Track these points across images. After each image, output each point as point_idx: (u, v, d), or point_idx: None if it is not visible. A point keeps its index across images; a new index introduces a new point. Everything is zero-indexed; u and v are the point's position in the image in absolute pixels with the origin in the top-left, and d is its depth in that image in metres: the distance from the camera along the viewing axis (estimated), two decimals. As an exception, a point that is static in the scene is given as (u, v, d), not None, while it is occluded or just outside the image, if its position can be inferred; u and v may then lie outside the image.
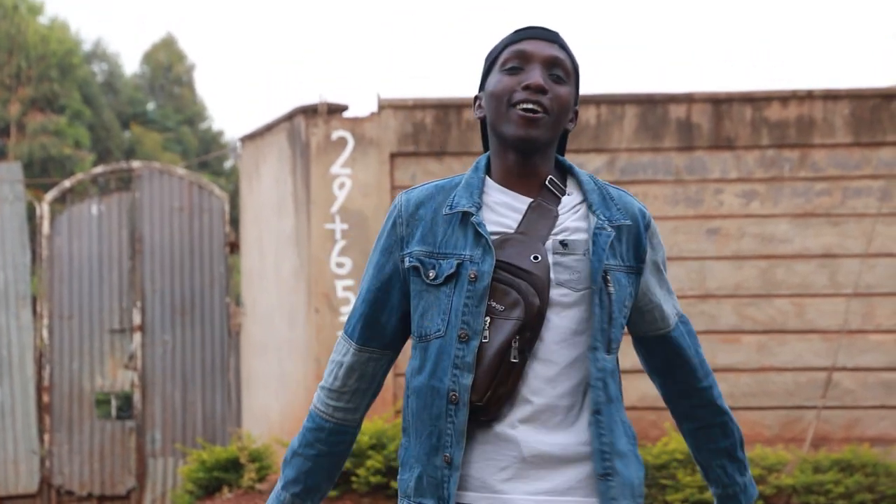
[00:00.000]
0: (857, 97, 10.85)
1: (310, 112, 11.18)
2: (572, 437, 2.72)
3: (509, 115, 2.76)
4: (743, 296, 10.77)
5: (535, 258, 2.70)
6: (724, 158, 10.86)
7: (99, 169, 15.04)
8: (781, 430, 10.70)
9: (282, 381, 11.90)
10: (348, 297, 10.96)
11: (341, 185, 11.03)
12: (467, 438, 2.71)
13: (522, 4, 62.08)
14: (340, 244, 10.99)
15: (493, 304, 2.69)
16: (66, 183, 14.41)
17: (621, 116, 10.90)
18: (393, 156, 11.02)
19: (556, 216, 2.77)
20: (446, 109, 10.89)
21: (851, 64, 58.60)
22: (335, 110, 11.19)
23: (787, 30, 65.26)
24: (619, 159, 10.87)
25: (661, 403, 10.91)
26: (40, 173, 25.65)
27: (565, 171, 2.90)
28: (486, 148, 2.91)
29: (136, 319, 13.95)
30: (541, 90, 2.74)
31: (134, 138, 33.42)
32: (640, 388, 10.70)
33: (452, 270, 2.72)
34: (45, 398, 13.90)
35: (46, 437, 13.88)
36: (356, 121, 11.11)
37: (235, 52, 66.53)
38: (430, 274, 2.75)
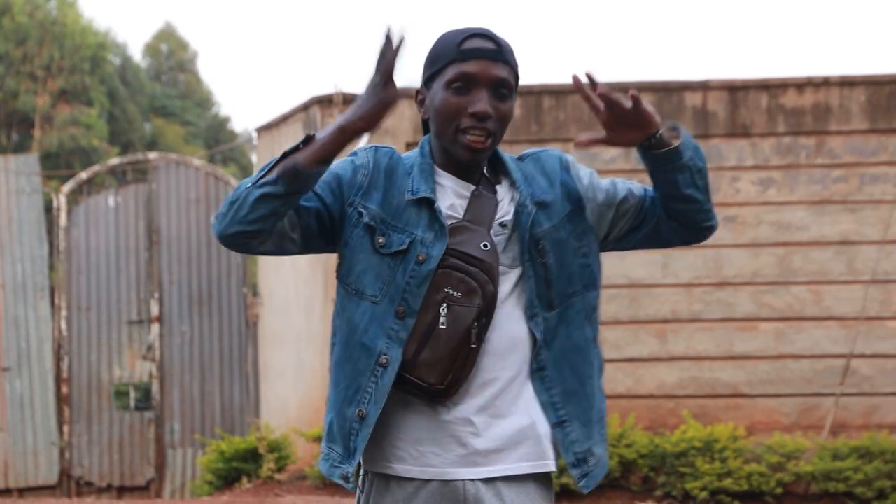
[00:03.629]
0: (873, 83, 10.82)
1: (325, 102, 11.19)
2: (520, 410, 2.84)
3: (457, 139, 2.85)
4: (760, 283, 10.75)
5: (485, 246, 2.82)
6: (740, 146, 10.84)
7: (115, 160, 15.09)
8: (799, 418, 10.69)
9: (299, 371, 11.92)
10: (365, 287, 10.96)
11: (357, 176, 11.04)
12: (426, 421, 2.82)
13: (537, -7, 62.02)
14: (357, 234, 10.99)
15: (450, 291, 2.79)
16: (83, 175, 14.45)
17: (637, 104, 10.88)
18: (409, 145, 11.01)
19: (497, 203, 2.89)
20: (462, 99, 10.88)
21: (868, 50, 58.42)
22: (351, 100, 11.20)
23: (803, 16, 65.08)
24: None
25: (679, 391, 10.85)
26: (65, 165, 25.69)
27: (495, 158, 2.99)
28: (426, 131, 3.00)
29: (154, 310, 13.98)
30: (487, 117, 2.83)
31: (156, 131, 33.48)
32: (657, 377, 10.71)
33: (403, 247, 2.82)
34: (64, 390, 13.95)
35: (65, 428, 13.94)
36: (372, 111, 11.10)
37: (239, 38, 66.63)
38: (380, 241, 2.85)
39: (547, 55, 62.91)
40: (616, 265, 10.49)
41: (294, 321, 12.08)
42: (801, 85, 10.85)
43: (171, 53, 38.06)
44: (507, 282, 2.85)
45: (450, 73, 2.86)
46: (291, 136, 11.95)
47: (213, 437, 12.94)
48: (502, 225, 2.85)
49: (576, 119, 10.83)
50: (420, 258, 2.80)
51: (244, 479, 10.79)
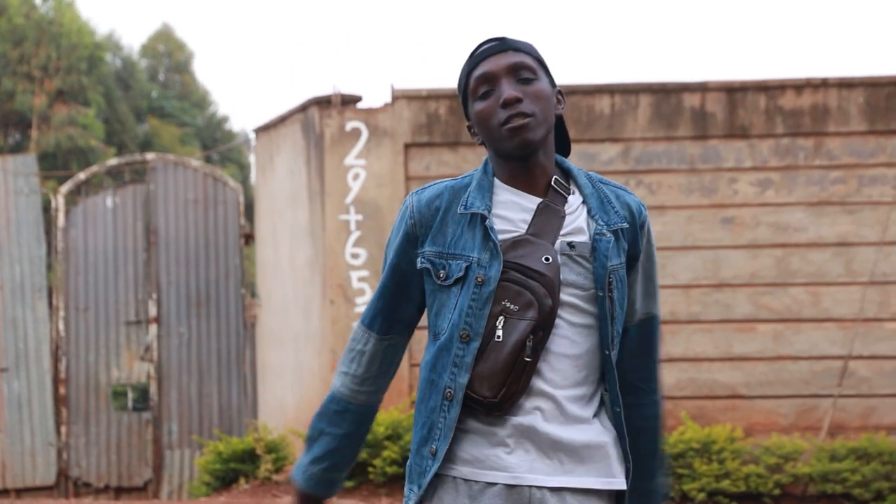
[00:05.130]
0: (871, 85, 10.82)
1: (324, 103, 11.18)
2: (587, 426, 2.84)
3: (501, 135, 2.87)
4: (758, 284, 10.75)
5: (547, 260, 2.80)
6: (738, 147, 10.84)
7: (113, 161, 15.06)
8: (797, 419, 10.69)
9: (297, 372, 11.92)
10: (363, 287, 10.97)
11: (356, 176, 11.04)
12: (491, 426, 2.81)
13: (536, -6, 62.04)
14: (355, 235, 11.00)
15: (507, 304, 2.79)
16: (81, 175, 14.43)
17: (635, 105, 10.88)
18: (407, 146, 11.02)
19: (564, 217, 2.88)
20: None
21: (866, 51, 58.46)
22: (349, 101, 11.20)
23: (802, 17, 65.11)
24: (634, 148, 10.85)
25: (677, 392, 10.83)
26: (63, 166, 25.66)
27: (565, 171, 3.00)
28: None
29: (152, 311, 13.97)
30: (517, 101, 2.85)
31: (151, 132, 33.46)
32: (655, 378, 10.71)
33: (461, 273, 2.83)
34: (62, 390, 13.93)
35: (63, 429, 13.93)
36: (370, 112, 11.11)
37: (237, 39, 66.63)
38: (441, 274, 2.87)
39: (546, 55, 62.79)
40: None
41: (292, 322, 12.07)
42: (800, 86, 10.85)
43: (169, 54, 38.10)
44: (575, 303, 2.83)
45: (472, 84, 2.93)
46: (289, 137, 11.94)
47: (211, 438, 12.93)
48: (571, 245, 2.83)
49: (574, 120, 10.83)
50: (479, 280, 2.80)
51: (242, 480, 10.78)
